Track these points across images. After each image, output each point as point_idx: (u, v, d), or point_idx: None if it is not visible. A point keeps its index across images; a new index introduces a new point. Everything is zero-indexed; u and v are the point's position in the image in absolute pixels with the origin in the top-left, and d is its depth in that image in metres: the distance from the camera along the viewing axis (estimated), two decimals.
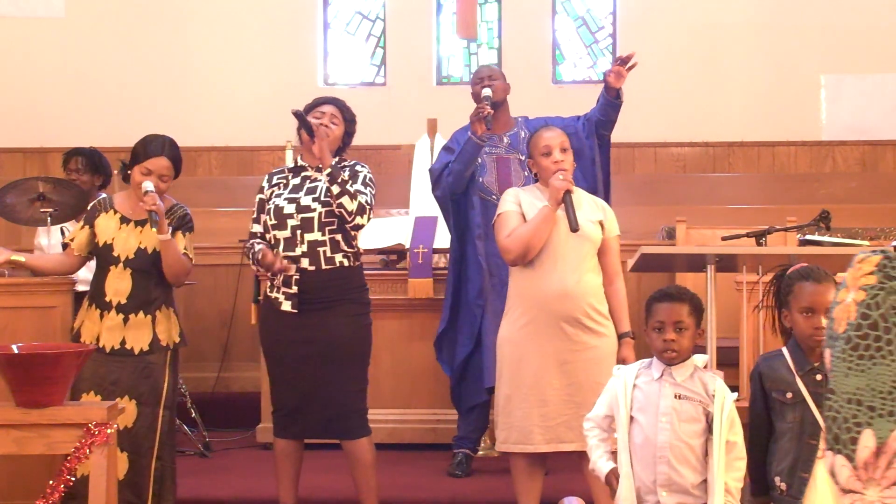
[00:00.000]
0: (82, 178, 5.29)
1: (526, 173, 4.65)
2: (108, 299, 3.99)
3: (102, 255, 4.04)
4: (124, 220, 4.05)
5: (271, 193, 4.07)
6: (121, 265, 3.99)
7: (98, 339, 3.96)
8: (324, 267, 3.94)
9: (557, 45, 8.79)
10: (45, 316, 4.21)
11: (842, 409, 1.40)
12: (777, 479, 3.10)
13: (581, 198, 4.00)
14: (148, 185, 3.92)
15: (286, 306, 3.95)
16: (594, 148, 4.73)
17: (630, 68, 4.45)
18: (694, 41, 8.51)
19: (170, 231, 3.97)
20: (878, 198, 7.97)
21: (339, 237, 3.97)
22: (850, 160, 8.51)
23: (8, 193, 5.11)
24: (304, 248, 3.94)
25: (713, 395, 3.08)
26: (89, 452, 3.24)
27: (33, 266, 4.21)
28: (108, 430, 3.27)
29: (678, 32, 8.51)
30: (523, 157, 4.71)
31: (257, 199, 4.12)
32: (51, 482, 3.29)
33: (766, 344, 3.95)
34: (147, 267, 4.00)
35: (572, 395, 3.81)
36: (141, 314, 4.00)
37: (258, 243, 4.02)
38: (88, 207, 4.21)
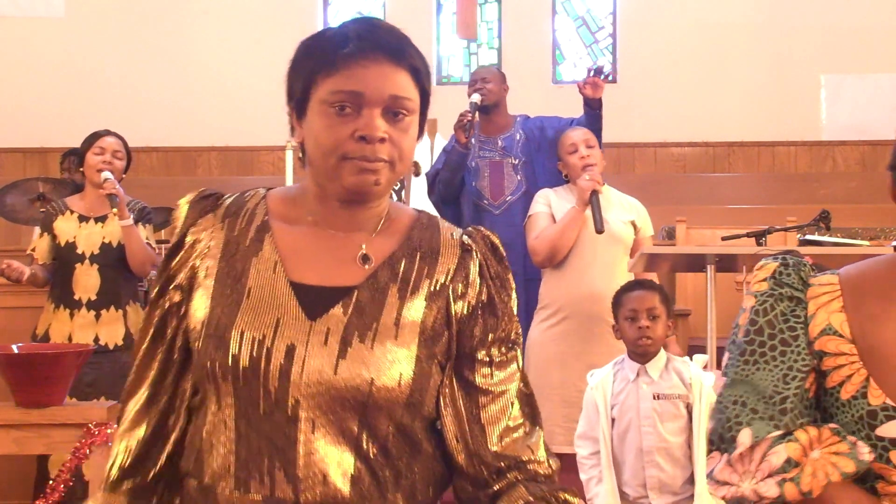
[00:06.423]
0: (77, 177, 5.29)
1: (519, 177, 4.65)
2: (77, 297, 3.97)
3: (65, 255, 4.02)
4: (83, 218, 4.06)
5: None
6: (86, 262, 3.99)
7: (70, 339, 3.93)
8: None
9: (557, 45, 8.79)
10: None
11: (726, 410, 1.45)
12: None
13: (611, 198, 3.99)
14: (107, 173, 3.97)
15: None
16: None
17: (605, 78, 4.43)
18: (694, 41, 8.51)
19: (131, 218, 3.98)
20: (878, 198, 7.95)
21: None
22: (850, 160, 8.51)
23: (8, 193, 5.12)
24: None
25: (690, 384, 3.09)
26: (89, 452, 3.24)
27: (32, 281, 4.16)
28: (108, 430, 3.27)
29: (678, 32, 8.51)
30: (517, 161, 4.70)
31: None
32: (50, 482, 3.30)
33: None
34: (113, 262, 4.00)
35: None
36: (112, 309, 4.00)
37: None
38: (42, 215, 4.19)
